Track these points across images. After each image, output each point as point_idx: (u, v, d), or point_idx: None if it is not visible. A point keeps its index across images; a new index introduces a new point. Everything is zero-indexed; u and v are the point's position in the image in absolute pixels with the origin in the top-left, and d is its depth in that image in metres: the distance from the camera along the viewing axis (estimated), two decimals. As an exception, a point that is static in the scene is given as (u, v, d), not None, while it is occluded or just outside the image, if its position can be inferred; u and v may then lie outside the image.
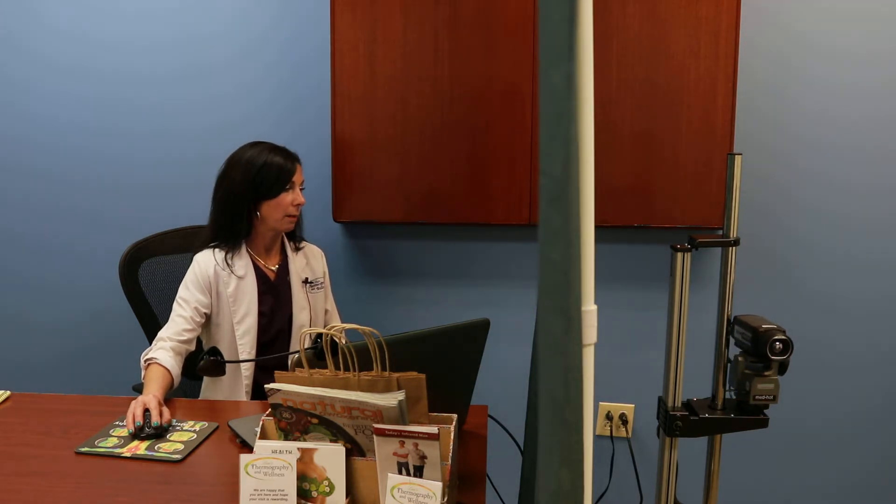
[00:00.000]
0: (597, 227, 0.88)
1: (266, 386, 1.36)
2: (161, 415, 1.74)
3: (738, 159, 1.69)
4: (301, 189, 2.17)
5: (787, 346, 1.62)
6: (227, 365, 2.02)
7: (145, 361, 1.96)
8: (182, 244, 2.36)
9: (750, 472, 2.68)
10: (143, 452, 1.63)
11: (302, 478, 1.35)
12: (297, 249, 2.25)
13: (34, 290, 2.79)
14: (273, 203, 2.12)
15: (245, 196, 2.11)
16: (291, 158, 2.16)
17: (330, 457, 1.34)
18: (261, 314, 2.15)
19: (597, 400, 2.68)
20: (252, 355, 2.13)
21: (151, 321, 2.26)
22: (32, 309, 2.80)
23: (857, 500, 2.65)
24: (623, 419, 2.68)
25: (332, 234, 2.67)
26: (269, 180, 2.11)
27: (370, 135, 2.48)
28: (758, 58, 2.48)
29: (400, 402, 1.29)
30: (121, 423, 1.78)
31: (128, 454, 1.63)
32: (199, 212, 2.26)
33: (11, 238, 2.78)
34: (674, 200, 2.41)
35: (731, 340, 1.74)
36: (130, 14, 2.64)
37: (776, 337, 1.62)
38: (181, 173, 2.69)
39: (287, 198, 2.13)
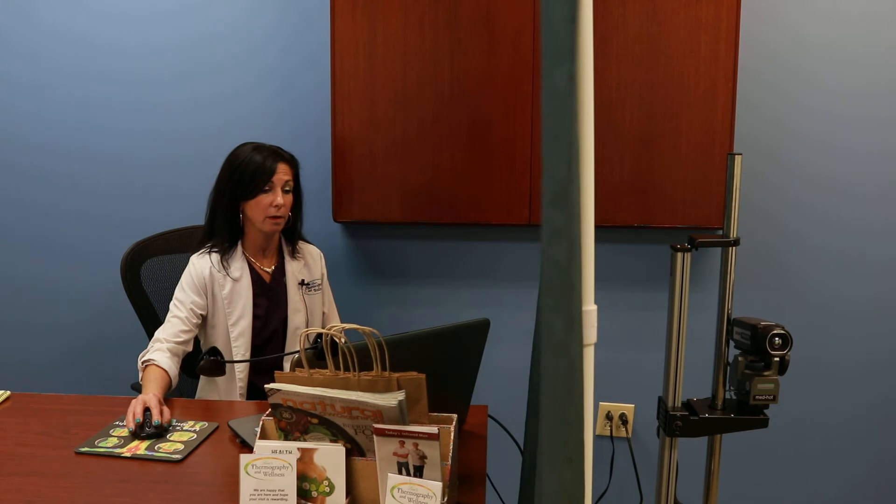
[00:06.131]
0: (597, 227, 0.88)
1: (266, 386, 1.36)
2: (161, 414, 1.74)
3: (738, 159, 1.69)
4: (286, 190, 2.10)
5: (787, 340, 1.62)
6: (226, 365, 2.02)
7: (143, 363, 1.96)
8: (185, 244, 2.36)
9: (750, 472, 2.68)
10: (143, 452, 1.63)
11: (302, 478, 1.35)
12: (294, 251, 2.24)
13: (34, 291, 2.79)
14: (252, 203, 2.09)
15: (226, 196, 2.10)
16: (275, 158, 2.09)
17: (330, 457, 1.34)
18: (255, 316, 2.14)
19: (597, 400, 2.68)
20: (246, 357, 2.12)
21: (153, 320, 2.26)
22: (32, 309, 2.80)
23: (856, 501, 2.65)
24: (623, 419, 2.68)
25: (332, 234, 2.66)
26: (246, 180, 2.07)
27: (370, 135, 2.47)
28: (758, 58, 2.48)
29: (400, 402, 1.29)
30: (121, 423, 1.78)
31: (128, 454, 1.63)
32: (201, 213, 2.26)
33: (12, 239, 2.78)
34: (674, 200, 2.41)
35: (731, 343, 1.74)
36: (131, 17, 2.64)
37: (775, 332, 1.62)
38: (182, 175, 2.68)
39: (266, 199, 2.07)
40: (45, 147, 2.72)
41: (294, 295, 2.20)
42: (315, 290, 2.25)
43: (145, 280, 2.30)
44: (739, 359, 1.69)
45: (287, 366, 2.17)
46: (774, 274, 2.57)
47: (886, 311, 2.55)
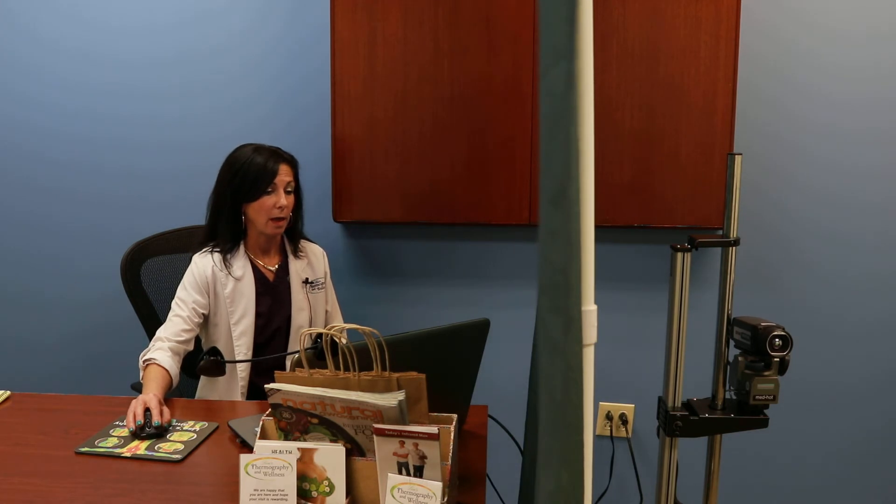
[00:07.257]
0: (597, 227, 0.88)
1: (266, 386, 1.36)
2: (161, 414, 1.74)
3: (738, 159, 1.69)
4: (288, 191, 2.10)
5: (787, 341, 1.62)
6: (226, 365, 2.02)
7: (144, 362, 1.96)
8: (185, 244, 2.36)
9: (750, 472, 2.68)
10: (143, 452, 1.63)
11: (302, 478, 1.35)
12: (297, 250, 2.24)
13: (32, 301, 2.79)
14: (255, 205, 2.08)
15: (227, 198, 2.10)
16: (276, 159, 2.08)
17: (330, 457, 1.34)
18: (258, 315, 2.15)
19: (597, 400, 2.68)
20: (248, 356, 2.12)
21: (152, 320, 2.26)
22: (31, 309, 2.80)
23: (856, 501, 2.65)
24: (623, 419, 2.68)
25: (332, 234, 2.66)
26: (248, 182, 2.07)
27: (370, 135, 2.48)
28: (757, 57, 2.47)
29: (400, 402, 1.29)
30: (121, 423, 1.78)
31: (128, 454, 1.63)
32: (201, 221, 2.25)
33: (11, 251, 2.78)
34: (674, 200, 2.41)
35: (731, 343, 1.74)
36: (131, 29, 2.64)
37: (775, 333, 1.62)
38: (184, 183, 2.68)
39: (269, 200, 2.07)
40: (48, 159, 2.72)
41: (298, 293, 2.20)
42: (319, 289, 2.25)
43: (145, 280, 2.30)
44: (739, 359, 1.69)
45: (289, 365, 2.17)
46: (767, 282, 2.57)
47: (886, 323, 2.55)
